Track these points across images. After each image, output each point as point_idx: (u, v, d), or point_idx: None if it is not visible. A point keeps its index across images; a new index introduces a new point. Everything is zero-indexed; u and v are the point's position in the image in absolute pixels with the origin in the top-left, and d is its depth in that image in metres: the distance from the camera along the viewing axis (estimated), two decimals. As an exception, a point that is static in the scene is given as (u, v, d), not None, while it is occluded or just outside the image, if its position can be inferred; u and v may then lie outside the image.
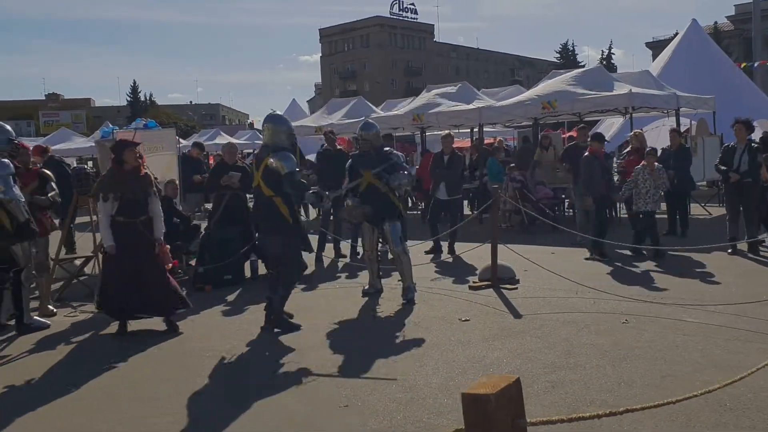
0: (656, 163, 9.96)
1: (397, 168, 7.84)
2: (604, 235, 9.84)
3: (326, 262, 10.66)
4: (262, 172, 6.75)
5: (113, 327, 7.05)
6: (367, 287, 8.33)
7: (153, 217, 6.94)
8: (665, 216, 12.04)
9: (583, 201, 10.41)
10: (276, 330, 6.67)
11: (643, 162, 9.97)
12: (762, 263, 9.23)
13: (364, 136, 8.07)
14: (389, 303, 7.78)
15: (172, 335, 6.80)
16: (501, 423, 1.68)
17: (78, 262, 9.44)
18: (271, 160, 6.65)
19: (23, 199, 6.97)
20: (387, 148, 8.24)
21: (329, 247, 10.95)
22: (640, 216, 9.93)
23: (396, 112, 18.27)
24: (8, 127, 7.41)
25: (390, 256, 9.66)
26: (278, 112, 7.32)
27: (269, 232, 6.93)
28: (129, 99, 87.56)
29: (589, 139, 10.66)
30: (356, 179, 7.92)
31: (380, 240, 8.38)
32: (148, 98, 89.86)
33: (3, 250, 7.02)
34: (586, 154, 10.26)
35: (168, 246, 9.42)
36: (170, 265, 7.35)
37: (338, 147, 11.80)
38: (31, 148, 8.97)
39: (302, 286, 8.95)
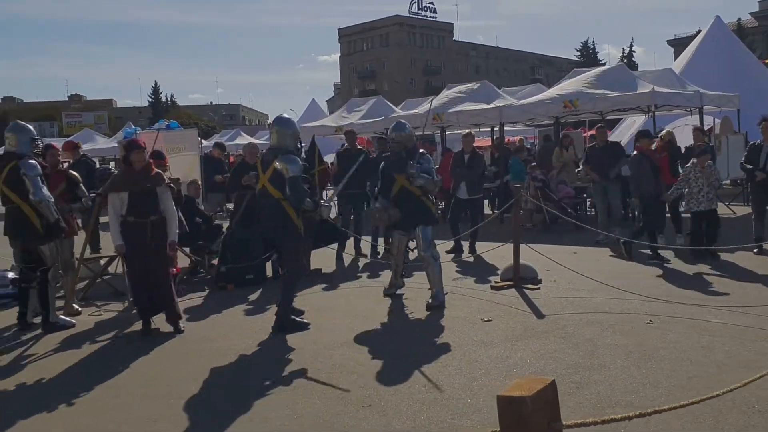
0: (708, 161, 9.65)
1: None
2: (642, 235, 9.69)
3: (347, 261, 10.68)
4: (270, 174, 6.77)
5: (137, 326, 7.12)
6: (387, 287, 8.26)
7: (166, 217, 6.95)
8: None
9: (631, 201, 10.24)
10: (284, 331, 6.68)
11: (693, 160, 9.75)
12: (789, 263, 9.09)
13: (395, 138, 7.84)
14: (411, 303, 7.77)
15: (184, 333, 6.87)
16: (537, 426, 1.65)
17: (102, 261, 9.53)
18: (278, 162, 6.69)
19: (52, 199, 7.08)
20: (421, 150, 7.95)
21: (349, 246, 10.96)
22: (693, 215, 9.73)
23: (416, 111, 18.25)
24: (30, 127, 7.52)
25: (412, 255, 9.66)
26: (286, 115, 7.33)
27: (279, 233, 6.88)
28: (150, 100, 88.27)
29: (600, 136, 10.40)
30: (389, 183, 7.79)
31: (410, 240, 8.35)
32: (169, 99, 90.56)
33: (32, 250, 7.14)
34: (635, 153, 10.09)
35: (186, 248, 9.56)
36: (175, 270, 7.36)
37: (358, 146, 11.81)
38: (60, 147, 9.08)
39: (323, 285, 8.99)
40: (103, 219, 10.32)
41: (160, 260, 6.91)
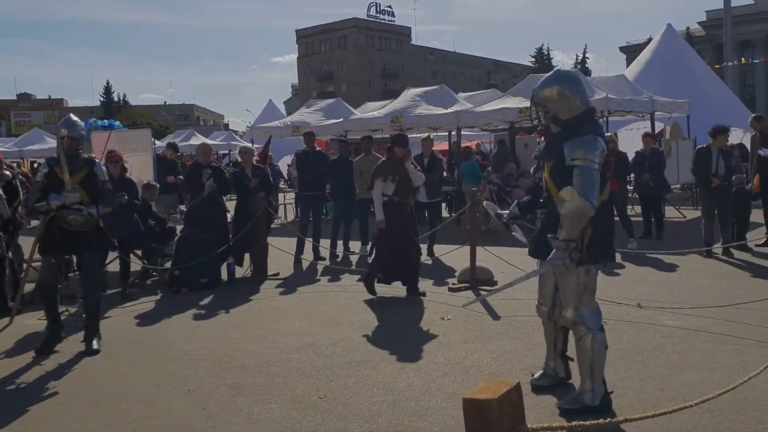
0: None
1: None
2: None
3: (305, 265, 10.60)
4: (80, 179, 6.38)
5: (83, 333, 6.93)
6: (537, 374, 5.07)
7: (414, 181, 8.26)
8: (641, 218, 12.18)
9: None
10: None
11: None
12: (736, 266, 9.35)
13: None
14: (368, 306, 7.75)
15: (137, 338, 6.73)
16: (502, 429, 1.64)
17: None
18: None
19: None
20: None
21: (306, 249, 10.89)
22: None
23: (374, 114, 18.25)
24: None
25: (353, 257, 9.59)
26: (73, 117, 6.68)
27: (85, 238, 6.44)
28: (102, 99, 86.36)
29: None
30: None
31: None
32: (121, 99, 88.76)
33: None
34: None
35: (138, 251, 9.40)
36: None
37: (317, 148, 11.75)
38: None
39: (281, 289, 8.90)
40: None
41: (412, 234, 8.34)
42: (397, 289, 8.38)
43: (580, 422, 2.02)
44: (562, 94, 4.45)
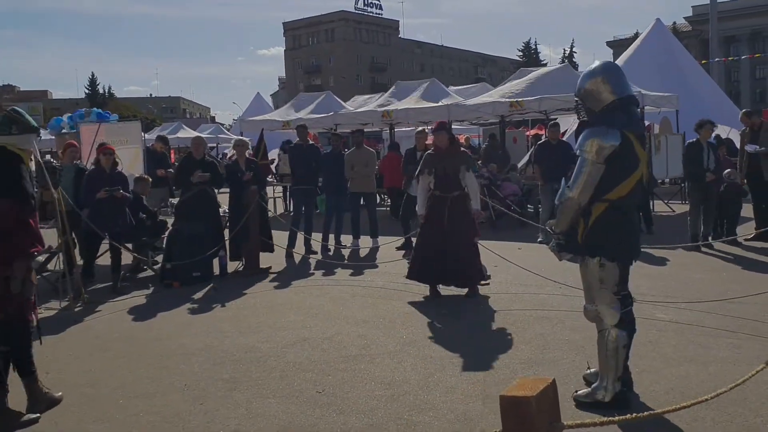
0: None
1: None
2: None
3: (297, 259, 10.57)
4: None
5: (76, 328, 6.87)
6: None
7: (470, 191, 7.62)
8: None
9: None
10: None
11: None
12: (727, 260, 9.42)
13: None
14: (362, 299, 7.75)
15: (131, 333, 6.69)
16: (540, 426, 1.62)
17: (41, 257, 9.15)
18: None
19: None
20: None
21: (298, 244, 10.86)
22: None
23: (365, 108, 18.24)
24: None
25: (347, 249, 9.56)
26: None
27: None
28: (87, 91, 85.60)
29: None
30: None
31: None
32: (106, 91, 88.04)
33: None
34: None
35: (129, 245, 9.31)
36: (477, 238, 7.78)
37: (310, 142, 11.71)
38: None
39: (275, 283, 8.87)
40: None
41: (462, 231, 7.52)
42: (393, 283, 8.38)
43: (610, 418, 2.04)
44: (597, 86, 4.36)
